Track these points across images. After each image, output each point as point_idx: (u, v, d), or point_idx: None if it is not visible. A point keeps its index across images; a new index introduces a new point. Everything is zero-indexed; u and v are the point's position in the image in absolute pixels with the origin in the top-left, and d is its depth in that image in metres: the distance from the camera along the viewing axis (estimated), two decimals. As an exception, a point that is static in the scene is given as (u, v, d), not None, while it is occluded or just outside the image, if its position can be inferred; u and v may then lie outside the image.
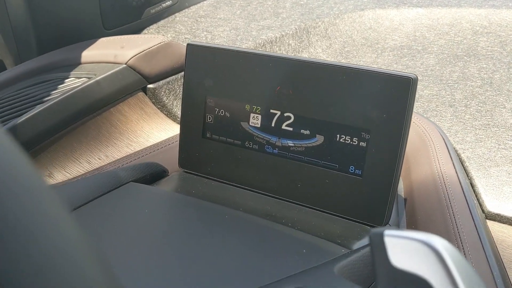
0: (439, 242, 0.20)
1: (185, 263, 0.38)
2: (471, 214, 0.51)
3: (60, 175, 0.64)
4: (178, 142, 0.58)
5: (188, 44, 0.55)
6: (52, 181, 0.63)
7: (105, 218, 0.44)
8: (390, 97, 0.45)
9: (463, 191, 0.54)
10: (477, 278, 0.20)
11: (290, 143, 0.51)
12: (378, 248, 0.21)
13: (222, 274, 0.36)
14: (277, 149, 0.52)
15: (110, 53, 0.74)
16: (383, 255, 0.21)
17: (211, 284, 0.35)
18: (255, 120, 0.53)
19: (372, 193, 0.47)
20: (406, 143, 0.46)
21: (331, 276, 0.32)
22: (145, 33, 0.96)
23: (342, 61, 0.90)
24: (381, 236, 0.21)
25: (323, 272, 0.33)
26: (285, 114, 0.51)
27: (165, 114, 0.77)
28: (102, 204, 0.46)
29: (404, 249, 0.20)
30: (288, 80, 0.50)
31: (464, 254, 0.46)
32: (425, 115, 0.72)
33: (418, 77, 0.77)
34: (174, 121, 0.77)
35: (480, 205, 0.59)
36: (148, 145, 0.70)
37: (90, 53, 0.76)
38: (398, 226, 0.53)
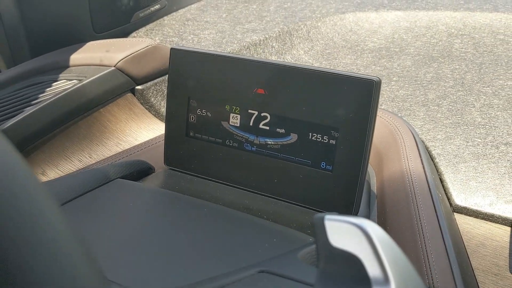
0: (369, 225, 0.24)
1: (167, 252, 0.41)
2: (435, 207, 0.54)
3: (52, 173, 0.67)
4: (163, 141, 0.61)
5: (171, 49, 0.58)
6: (45, 178, 0.66)
7: (93, 212, 0.47)
8: (356, 98, 0.49)
9: (428, 186, 0.57)
10: (400, 255, 0.23)
11: (267, 141, 0.54)
12: (320, 230, 0.24)
13: (199, 261, 0.40)
14: (255, 146, 0.55)
15: (100, 56, 0.77)
16: (323, 236, 0.24)
17: (189, 269, 0.39)
18: (235, 119, 0.56)
19: (341, 186, 0.51)
20: (371, 140, 0.49)
21: (293, 261, 0.36)
22: (134, 36, 0.99)
23: (324, 62, 0.94)
24: (322, 220, 0.24)
25: (287, 258, 0.36)
26: (262, 114, 0.54)
27: (152, 114, 0.80)
28: (90, 199, 0.49)
29: (340, 230, 0.24)
30: (264, 82, 0.53)
31: (424, 243, 0.49)
32: (399, 114, 0.76)
33: (394, 78, 0.81)
34: (162, 120, 0.80)
35: (448, 199, 0.63)
36: (137, 143, 0.73)
37: (80, 56, 0.79)
38: (368, 218, 0.57)
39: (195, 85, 0.57)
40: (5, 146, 0.19)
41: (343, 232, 0.24)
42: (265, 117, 0.54)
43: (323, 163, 0.52)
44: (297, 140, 0.53)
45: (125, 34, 0.98)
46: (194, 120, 0.58)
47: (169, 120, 0.60)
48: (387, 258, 0.23)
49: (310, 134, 0.52)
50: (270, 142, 0.54)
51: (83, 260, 0.19)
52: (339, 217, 0.24)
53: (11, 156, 0.19)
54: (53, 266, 0.17)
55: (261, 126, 0.54)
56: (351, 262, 0.23)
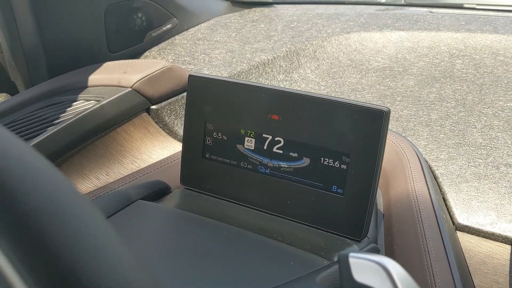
0: (390, 264, 0.27)
1: (187, 273, 0.44)
2: (439, 227, 0.57)
3: (71, 190, 0.70)
4: (178, 160, 0.64)
5: (190, 75, 0.61)
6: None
7: (120, 234, 0.50)
8: (366, 127, 0.52)
9: (433, 207, 0.60)
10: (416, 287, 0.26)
11: (280, 164, 0.57)
12: (344, 267, 0.27)
13: (217, 282, 0.42)
14: (269, 169, 0.58)
15: (116, 77, 0.80)
16: (348, 273, 0.27)
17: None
18: (249, 143, 0.59)
19: (352, 209, 0.54)
20: (381, 166, 0.52)
21: (313, 285, 0.38)
22: (147, 56, 1.02)
23: (329, 81, 0.97)
24: (346, 258, 0.27)
25: (306, 282, 0.39)
26: (276, 138, 0.57)
27: (167, 132, 0.83)
28: (116, 222, 0.52)
29: (363, 267, 0.27)
30: (278, 109, 0.56)
31: (430, 262, 0.52)
32: (403, 134, 0.79)
33: (398, 98, 0.84)
34: (175, 139, 0.83)
35: (451, 217, 0.65)
36: (151, 161, 0.76)
37: (97, 77, 0.82)
38: (376, 239, 0.59)
39: (212, 110, 0.60)
40: (46, 164, 0.20)
41: (366, 269, 0.27)
42: (279, 142, 0.57)
43: (335, 187, 0.54)
44: (309, 164, 0.55)
45: (138, 54, 1.01)
46: (210, 143, 0.61)
47: (186, 142, 0.62)
48: None
49: (322, 158, 0.55)
50: (283, 165, 0.57)
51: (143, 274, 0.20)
52: (363, 255, 0.27)
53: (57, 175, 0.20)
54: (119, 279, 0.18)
55: (274, 149, 0.57)
56: None
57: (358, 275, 0.26)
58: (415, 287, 0.26)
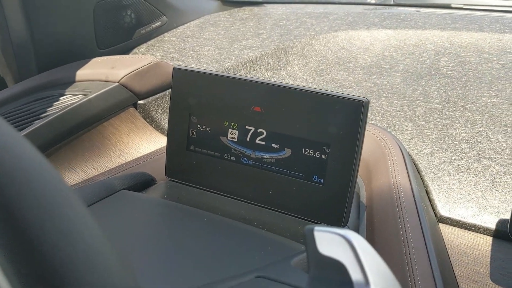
0: (353, 236, 0.27)
1: (167, 259, 0.44)
2: (419, 218, 0.58)
3: (57, 184, 0.70)
4: (164, 153, 0.64)
5: (174, 68, 0.62)
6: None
7: (101, 222, 0.51)
8: (345, 117, 0.53)
9: (414, 198, 0.61)
10: (381, 262, 0.27)
11: (263, 155, 0.58)
12: (310, 240, 0.28)
13: (198, 267, 0.43)
14: (251, 160, 0.59)
15: (104, 72, 0.81)
16: (313, 245, 0.28)
17: (189, 276, 0.42)
18: (233, 135, 0.60)
19: (332, 198, 0.54)
20: (360, 156, 0.53)
21: (287, 267, 0.39)
22: (136, 52, 1.02)
23: (317, 78, 0.98)
24: (311, 231, 0.28)
25: (281, 265, 0.40)
26: (258, 130, 0.58)
27: (154, 127, 0.84)
28: (97, 210, 0.52)
29: (328, 241, 0.28)
30: (261, 101, 0.57)
31: (409, 250, 0.53)
32: (388, 129, 0.80)
33: (384, 94, 0.85)
34: (162, 133, 0.84)
35: (434, 209, 0.66)
36: (138, 155, 0.77)
37: (85, 72, 0.83)
38: (358, 229, 0.60)
39: (196, 103, 0.61)
40: (33, 152, 0.20)
41: (330, 242, 0.27)
42: (261, 133, 0.58)
43: (315, 177, 0.55)
44: (291, 154, 0.56)
45: (127, 50, 1.02)
46: (194, 135, 0.62)
47: (171, 135, 0.63)
48: (368, 264, 0.26)
49: (303, 149, 0.55)
50: (265, 156, 0.58)
51: (119, 262, 0.20)
52: (327, 228, 0.27)
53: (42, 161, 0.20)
54: (94, 267, 0.19)
55: (257, 141, 0.58)
56: (337, 268, 0.27)
57: (323, 248, 0.27)
58: (377, 259, 0.27)
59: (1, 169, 0.18)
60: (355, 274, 0.26)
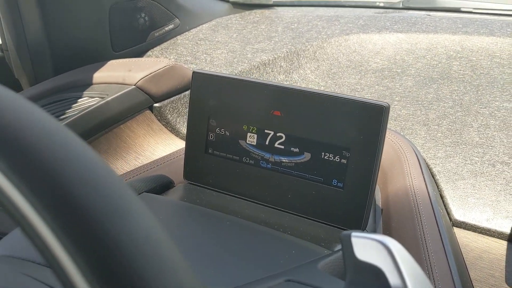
0: (391, 242, 0.28)
1: (194, 262, 0.45)
2: (437, 222, 0.58)
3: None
4: (181, 156, 0.65)
5: (193, 72, 0.62)
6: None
7: None
8: (366, 122, 0.53)
9: (431, 202, 0.61)
10: (417, 268, 0.27)
11: (281, 159, 0.59)
12: (347, 246, 0.28)
13: (224, 270, 0.43)
14: (270, 164, 0.59)
15: (121, 75, 0.82)
16: (350, 251, 0.28)
17: (217, 279, 0.42)
18: (252, 138, 0.60)
19: (351, 202, 0.55)
20: (380, 160, 0.54)
21: (315, 271, 0.40)
22: (150, 55, 1.03)
23: (329, 82, 0.98)
24: (349, 237, 0.29)
25: (308, 269, 0.40)
26: (278, 134, 0.58)
27: (169, 130, 0.84)
28: None
29: (365, 246, 0.28)
30: (280, 105, 0.58)
31: (428, 255, 0.53)
32: (402, 133, 0.81)
33: (397, 98, 0.85)
34: (177, 136, 0.84)
35: (448, 214, 0.67)
36: (154, 158, 0.77)
37: (102, 75, 0.83)
38: (375, 232, 0.61)
39: (215, 106, 0.61)
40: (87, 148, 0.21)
41: (368, 248, 0.28)
42: (281, 137, 0.58)
43: (335, 181, 0.56)
44: (310, 158, 0.57)
45: (141, 53, 1.02)
46: (213, 138, 0.62)
47: (189, 138, 0.63)
48: (406, 270, 0.27)
49: (323, 153, 0.56)
50: (284, 160, 0.58)
51: (185, 265, 0.21)
52: (365, 234, 0.28)
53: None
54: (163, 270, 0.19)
55: (276, 145, 0.59)
56: (375, 273, 0.27)
57: (360, 253, 0.27)
58: (415, 266, 0.27)
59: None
60: (393, 280, 0.26)
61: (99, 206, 0.19)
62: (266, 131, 0.59)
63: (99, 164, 0.20)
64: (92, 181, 0.19)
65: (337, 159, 0.55)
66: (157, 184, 0.61)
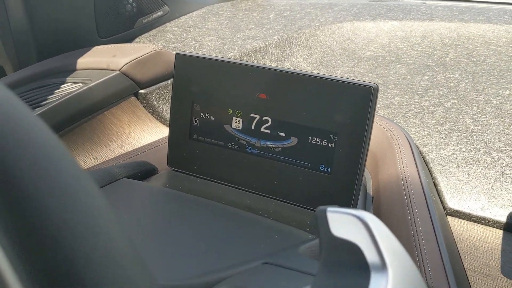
0: (368, 217, 0.26)
1: (174, 247, 0.43)
2: (429, 210, 0.57)
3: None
4: (166, 143, 0.63)
5: (176, 54, 0.60)
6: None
7: None
8: (354, 104, 0.51)
9: (423, 190, 0.59)
10: (396, 243, 0.25)
11: (268, 144, 0.56)
12: (322, 222, 0.26)
13: (204, 255, 0.41)
14: (256, 149, 0.57)
15: (105, 60, 0.79)
16: (325, 226, 0.26)
17: (196, 263, 0.40)
18: (237, 123, 0.58)
19: (339, 188, 0.53)
20: (369, 144, 0.52)
21: (295, 255, 0.38)
22: (137, 42, 1.01)
23: (322, 70, 0.96)
24: (324, 212, 0.26)
25: (289, 252, 0.38)
26: (264, 118, 0.56)
27: (155, 117, 0.82)
28: None
29: (341, 221, 0.26)
30: (266, 87, 0.56)
31: (419, 242, 0.51)
32: (395, 120, 0.79)
33: (390, 86, 0.83)
34: (164, 124, 0.82)
35: (442, 202, 0.65)
36: (139, 145, 0.75)
37: (86, 60, 0.81)
38: None
39: (199, 90, 0.59)
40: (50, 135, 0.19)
41: (344, 223, 0.26)
42: (267, 121, 0.56)
43: (322, 166, 0.54)
44: (297, 143, 0.55)
45: (128, 40, 1.00)
46: (197, 124, 0.60)
47: (173, 123, 0.61)
48: (384, 246, 0.24)
49: (310, 137, 0.54)
50: (271, 145, 0.56)
51: (136, 258, 0.19)
52: (340, 209, 0.26)
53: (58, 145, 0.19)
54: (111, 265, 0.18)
55: (262, 129, 0.56)
56: (351, 250, 0.25)
57: (336, 229, 0.25)
58: (394, 241, 0.25)
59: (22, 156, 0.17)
60: (371, 256, 0.24)
61: (38, 187, 0.17)
62: (251, 115, 0.57)
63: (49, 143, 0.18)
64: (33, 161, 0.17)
65: (325, 143, 0.53)
66: (138, 171, 0.59)
